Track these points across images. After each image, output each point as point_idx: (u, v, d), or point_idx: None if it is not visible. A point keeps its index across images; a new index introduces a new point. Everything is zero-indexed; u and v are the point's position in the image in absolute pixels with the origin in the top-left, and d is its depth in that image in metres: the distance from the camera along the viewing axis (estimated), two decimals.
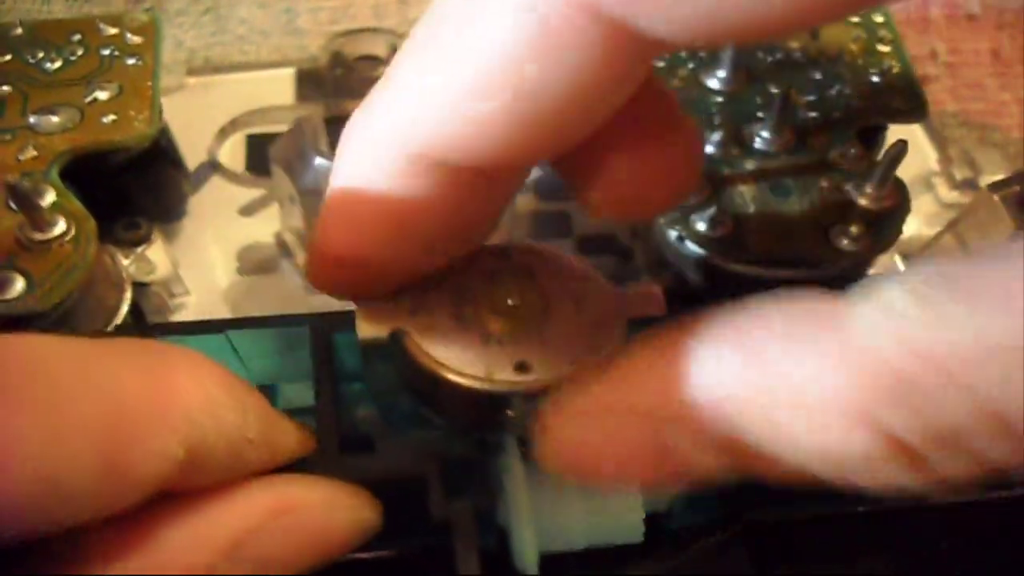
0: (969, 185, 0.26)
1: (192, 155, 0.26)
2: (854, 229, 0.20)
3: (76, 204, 0.20)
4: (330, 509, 0.15)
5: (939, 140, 0.27)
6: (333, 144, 0.23)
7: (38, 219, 0.19)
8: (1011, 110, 0.27)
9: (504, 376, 0.15)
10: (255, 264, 0.24)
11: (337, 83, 0.28)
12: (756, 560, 0.19)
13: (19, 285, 0.18)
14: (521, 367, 0.15)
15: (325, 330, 0.18)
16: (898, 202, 0.20)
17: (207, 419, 0.13)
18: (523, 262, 0.17)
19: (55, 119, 0.21)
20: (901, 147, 0.20)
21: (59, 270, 0.19)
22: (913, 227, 0.26)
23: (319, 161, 0.22)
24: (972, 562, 0.20)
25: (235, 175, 0.26)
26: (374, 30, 0.29)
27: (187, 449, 0.13)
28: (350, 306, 0.17)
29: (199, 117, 0.27)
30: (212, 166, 0.26)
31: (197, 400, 0.13)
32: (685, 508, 0.18)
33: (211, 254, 0.24)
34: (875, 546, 0.20)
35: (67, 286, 0.19)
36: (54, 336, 0.14)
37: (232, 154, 0.27)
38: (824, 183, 0.21)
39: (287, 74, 0.28)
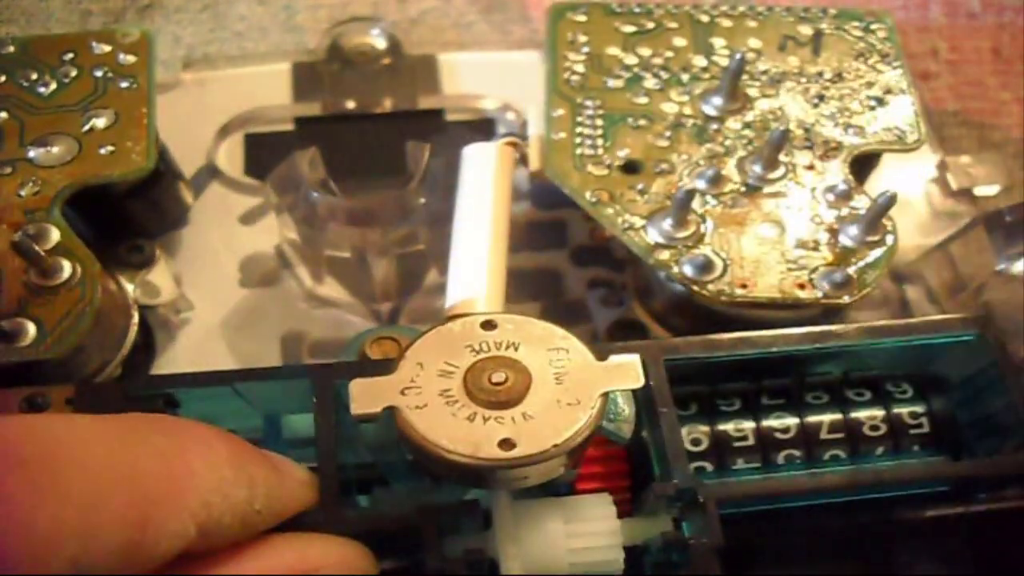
0: (964, 195, 0.26)
1: (189, 154, 0.26)
2: (836, 273, 0.20)
3: (80, 246, 0.20)
4: (344, 568, 0.16)
5: (937, 144, 0.27)
6: (331, 175, 0.24)
7: (44, 267, 0.20)
8: (1011, 109, 0.26)
9: (489, 453, 0.16)
10: (257, 276, 0.25)
11: (334, 78, 0.28)
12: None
13: (31, 332, 0.19)
14: (505, 443, 0.16)
15: (326, 381, 0.19)
16: (882, 246, 0.21)
17: (218, 499, 0.15)
18: (509, 334, 0.17)
19: (54, 151, 0.21)
20: (890, 198, 0.20)
21: (68, 317, 0.19)
22: (904, 237, 0.26)
23: (315, 195, 0.22)
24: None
25: (235, 182, 0.26)
26: (371, 19, 0.29)
27: (198, 527, 0.14)
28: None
29: (195, 114, 0.27)
30: (211, 171, 0.26)
31: (210, 483, 0.14)
32: (661, 545, 0.19)
33: (213, 265, 0.25)
34: (843, 562, 0.22)
35: (77, 332, 0.19)
36: (75, 418, 0.15)
37: (230, 152, 0.27)
38: (812, 221, 0.21)
39: (283, 69, 0.28)
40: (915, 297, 0.25)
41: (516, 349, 0.17)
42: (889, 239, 0.21)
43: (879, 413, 0.21)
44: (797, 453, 0.20)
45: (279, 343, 0.24)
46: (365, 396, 0.17)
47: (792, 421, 0.20)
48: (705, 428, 0.20)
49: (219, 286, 0.25)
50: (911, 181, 0.27)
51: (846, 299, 0.20)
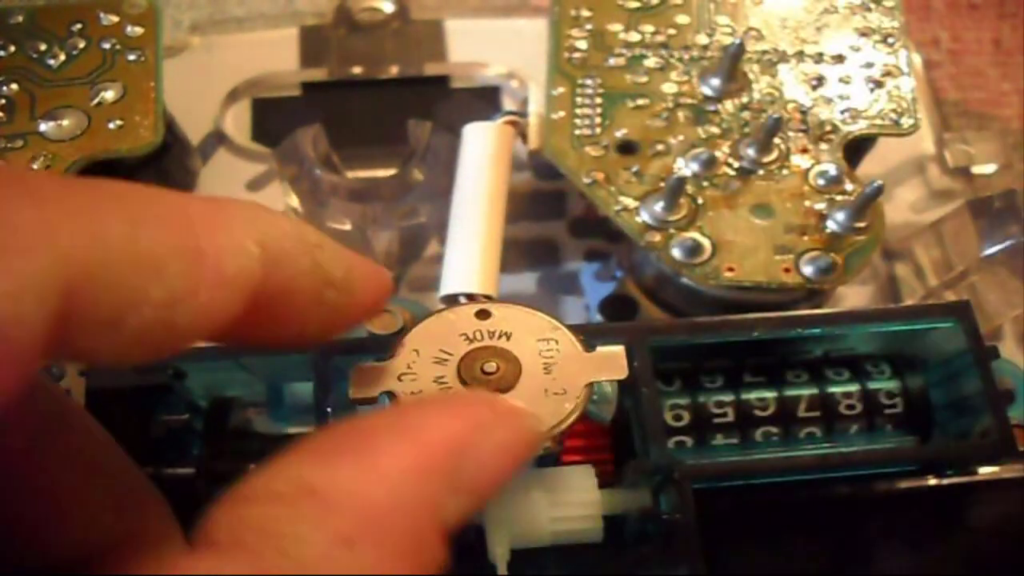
0: (961, 173, 0.26)
1: (197, 119, 0.27)
2: (821, 258, 0.21)
3: None
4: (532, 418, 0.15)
5: (938, 122, 0.27)
6: (336, 142, 0.24)
7: None
8: (1011, 100, 0.26)
9: None
10: None
11: (341, 44, 0.28)
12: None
13: None
14: None
15: (325, 358, 0.20)
16: (868, 234, 0.21)
17: (270, 227, 0.13)
18: (501, 323, 0.18)
19: (64, 124, 0.22)
20: (877, 188, 0.20)
21: None
22: (898, 213, 0.26)
23: (318, 173, 0.22)
24: (904, 549, 0.23)
25: (242, 148, 0.27)
26: None
27: (258, 244, 0.13)
28: None
29: (203, 79, 0.27)
30: (219, 137, 0.27)
31: (252, 213, 0.13)
32: (638, 517, 0.20)
33: None
34: (814, 532, 0.23)
35: None
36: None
37: (238, 118, 0.27)
38: (801, 206, 0.22)
39: (291, 34, 0.28)
40: (903, 274, 0.25)
41: (508, 338, 0.18)
42: (876, 227, 0.21)
43: (856, 391, 0.21)
44: (774, 431, 0.21)
45: None
46: (364, 381, 0.18)
47: (771, 399, 0.21)
48: (687, 404, 0.21)
49: None
50: (908, 158, 0.27)
51: (829, 285, 0.21)
